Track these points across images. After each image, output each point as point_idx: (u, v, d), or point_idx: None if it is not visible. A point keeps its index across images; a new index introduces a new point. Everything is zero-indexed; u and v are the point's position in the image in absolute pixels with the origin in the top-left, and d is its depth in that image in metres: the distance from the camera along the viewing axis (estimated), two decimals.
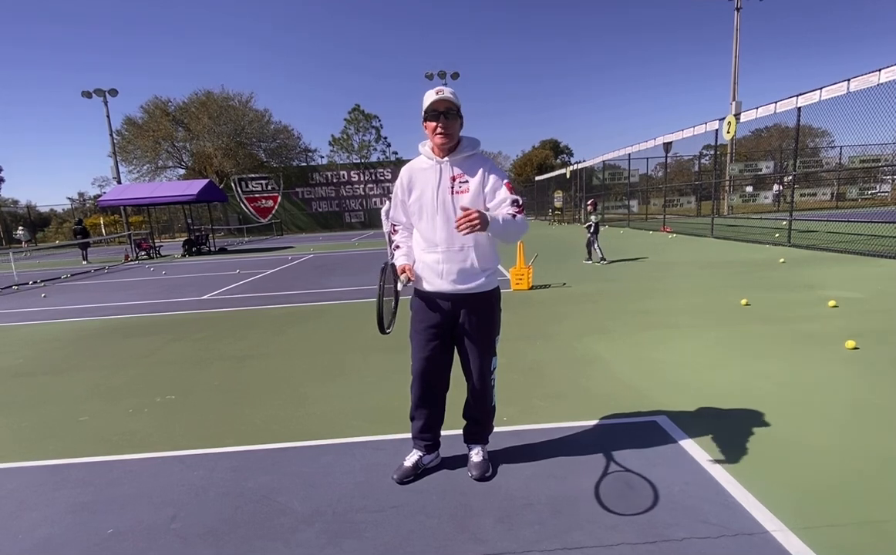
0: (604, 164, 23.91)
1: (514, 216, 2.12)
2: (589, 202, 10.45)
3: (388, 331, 2.15)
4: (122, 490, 2.45)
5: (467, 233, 1.98)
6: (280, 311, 6.89)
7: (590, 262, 9.79)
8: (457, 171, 2.19)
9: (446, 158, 2.20)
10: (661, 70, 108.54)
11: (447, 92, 2.13)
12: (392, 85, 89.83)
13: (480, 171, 2.19)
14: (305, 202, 35.23)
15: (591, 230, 9.71)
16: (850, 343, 3.91)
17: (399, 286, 2.25)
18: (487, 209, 2.16)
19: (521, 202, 2.18)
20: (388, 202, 2.53)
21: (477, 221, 1.95)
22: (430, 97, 2.13)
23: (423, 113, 2.17)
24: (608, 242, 14.09)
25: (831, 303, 5.30)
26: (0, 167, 50.52)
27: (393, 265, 2.26)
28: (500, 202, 2.17)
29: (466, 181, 2.18)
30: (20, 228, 30.07)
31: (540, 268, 9.11)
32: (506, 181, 2.20)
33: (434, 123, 2.14)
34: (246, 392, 3.72)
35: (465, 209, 1.99)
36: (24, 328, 6.74)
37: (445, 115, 2.12)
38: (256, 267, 13.01)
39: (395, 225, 2.40)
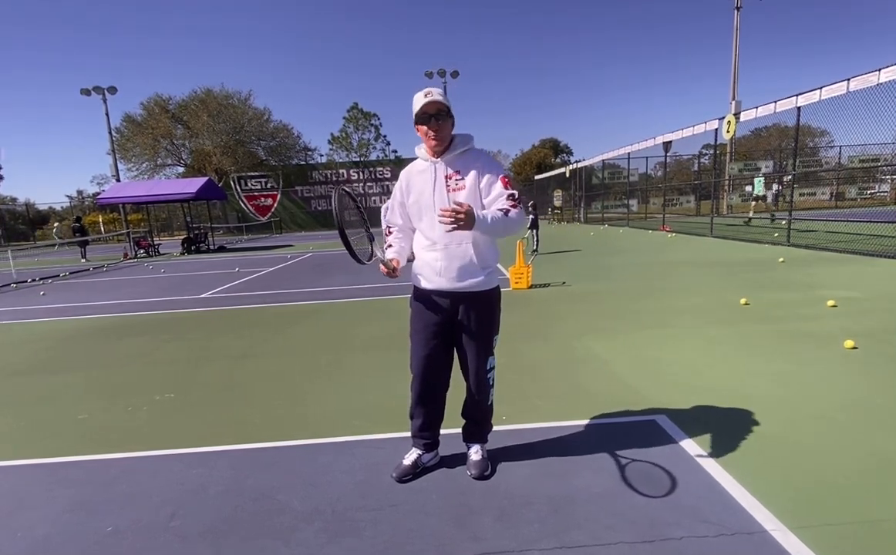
0: (603, 163, 23.94)
1: (506, 213, 2.09)
2: (530, 204, 12.50)
3: (365, 261, 2.20)
4: (121, 489, 2.45)
5: (450, 229, 1.98)
6: (279, 309, 6.88)
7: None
8: (451, 169, 2.19)
9: (440, 158, 2.21)
10: (660, 69, 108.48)
11: (436, 93, 2.12)
12: (392, 83, 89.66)
13: (475, 167, 2.19)
14: (305, 200, 35.16)
15: (530, 225, 11.62)
16: (849, 343, 3.92)
17: (378, 255, 2.26)
18: (483, 206, 2.16)
19: (516, 196, 2.16)
20: (388, 201, 2.52)
21: (462, 218, 1.93)
22: (419, 101, 2.12)
23: (413, 116, 2.16)
24: (609, 242, 14.12)
25: (830, 302, 5.30)
26: None
27: (345, 190, 2.25)
28: (496, 198, 2.16)
29: (462, 179, 2.18)
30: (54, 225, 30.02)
31: (539, 267, 9.12)
32: (502, 176, 2.19)
33: (425, 127, 2.14)
34: (245, 391, 3.72)
35: (457, 205, 1.98)
36: (22, 326, 6.73)
37: (436, 117, 2.12)
38: (255, 265, 13.00)
39: (390, 227, 2.41)
